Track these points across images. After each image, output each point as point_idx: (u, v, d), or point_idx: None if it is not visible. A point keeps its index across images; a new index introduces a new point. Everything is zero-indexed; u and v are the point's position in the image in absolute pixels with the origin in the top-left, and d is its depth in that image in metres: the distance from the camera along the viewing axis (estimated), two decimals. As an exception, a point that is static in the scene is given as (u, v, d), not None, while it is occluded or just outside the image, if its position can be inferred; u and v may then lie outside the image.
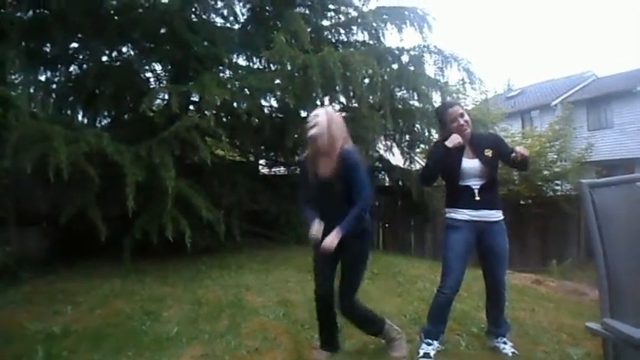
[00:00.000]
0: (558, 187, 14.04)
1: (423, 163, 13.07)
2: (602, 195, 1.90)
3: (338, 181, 3.56)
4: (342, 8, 10.50)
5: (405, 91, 9.83)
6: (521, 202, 13.21)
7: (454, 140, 3.66)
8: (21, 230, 7.79)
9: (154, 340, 4.23)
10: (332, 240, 3.43)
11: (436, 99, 9.67)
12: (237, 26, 9.98)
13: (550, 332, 4.41)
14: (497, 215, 3.78)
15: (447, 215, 3.84)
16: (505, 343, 3.88)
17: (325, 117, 3.61)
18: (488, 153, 3.75)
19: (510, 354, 3.78)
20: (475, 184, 3.70)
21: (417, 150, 11.85)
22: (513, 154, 3.57)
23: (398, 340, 3.86)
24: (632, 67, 27.35)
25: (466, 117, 3.80)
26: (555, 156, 14.45)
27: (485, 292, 4.00)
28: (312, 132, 3.59)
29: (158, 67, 9.87)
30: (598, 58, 72.68)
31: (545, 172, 13.76)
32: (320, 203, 3.68)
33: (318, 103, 8.11)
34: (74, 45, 9.25)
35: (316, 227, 3.55)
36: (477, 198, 3.69)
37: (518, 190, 13.00)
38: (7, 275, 6.32)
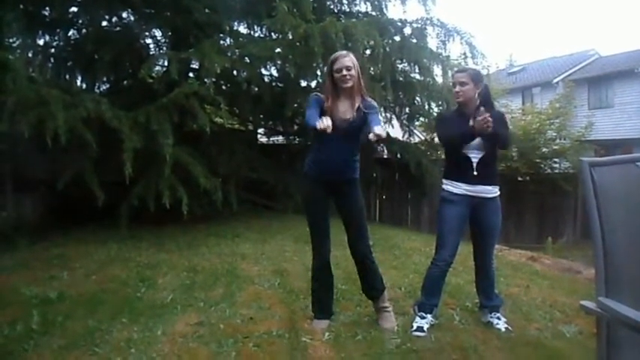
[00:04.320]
0: (556, 165, 14.02)
1: (422, 137, 13.07)
2: (602, 174, 1.88)
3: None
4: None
5: (406, 64, 9.75)
6: (519, 179, 13.21)
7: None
8: (18, 196, 7.79)
9: (148, 307, 4.25)
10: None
11: (437, 72, 9.64)
12: (238, -7, 9.83)
13: (543, 309, 4.42)
14: (493, 191, 3.78)
15: (444, 187, 3.84)
16: (499, 318, 3.90)
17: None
18: None
19: (503, 329, 3.81)
20: (474, 156, 3.68)
21: (417, 123, 11.82)
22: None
23: (389, 310, 3.92)
24: (636, 46, 27.21)
25: (457, 88, 3.77)
26: (554, 134, 14.38)
27: (475, 266, 4.03)
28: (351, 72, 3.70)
29: (158, 34, 9.76)
30: (602, 36, 72.29)
31: (544, 150, 13.72)
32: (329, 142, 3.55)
33: (319, 72, 8.05)
34: (73, 9, 9.10)
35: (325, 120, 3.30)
36: (475, 172, 3.68)
37: (517, 166, 13.00)
38: (3, 240, 6.33)
